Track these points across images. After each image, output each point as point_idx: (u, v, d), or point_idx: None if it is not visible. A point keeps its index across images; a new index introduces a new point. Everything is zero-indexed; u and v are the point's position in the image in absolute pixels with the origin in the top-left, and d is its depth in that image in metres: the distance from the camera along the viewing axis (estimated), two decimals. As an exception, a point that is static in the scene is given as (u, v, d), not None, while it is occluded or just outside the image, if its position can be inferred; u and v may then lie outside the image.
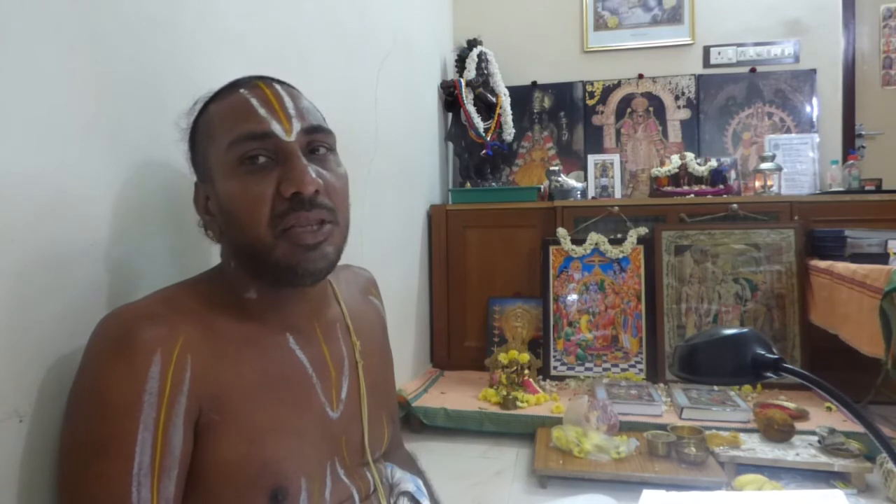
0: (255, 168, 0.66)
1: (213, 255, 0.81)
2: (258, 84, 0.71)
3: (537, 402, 2.09)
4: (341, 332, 0.79)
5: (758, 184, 2.57)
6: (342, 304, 0.81)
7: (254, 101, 0.68)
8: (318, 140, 0.70)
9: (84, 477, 0.59)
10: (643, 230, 2.41)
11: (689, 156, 2.65)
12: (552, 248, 2.48)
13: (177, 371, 0.61)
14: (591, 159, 2.89)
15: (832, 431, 1.66)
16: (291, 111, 0.69)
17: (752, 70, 2.85)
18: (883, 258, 1.91)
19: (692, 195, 2.54)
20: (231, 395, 0.64)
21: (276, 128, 0.67)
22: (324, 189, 0.67)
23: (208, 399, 0.63)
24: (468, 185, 2.80)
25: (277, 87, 0.71)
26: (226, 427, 0.63)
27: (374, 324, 0.89)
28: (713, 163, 2.60)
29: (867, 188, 2.55)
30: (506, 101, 2.85)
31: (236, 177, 0.66)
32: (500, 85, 2.86)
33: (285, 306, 0.72)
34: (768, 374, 0.65)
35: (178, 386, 0.61)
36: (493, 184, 2.84)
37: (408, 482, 0.85)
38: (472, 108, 2.73)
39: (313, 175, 0.66)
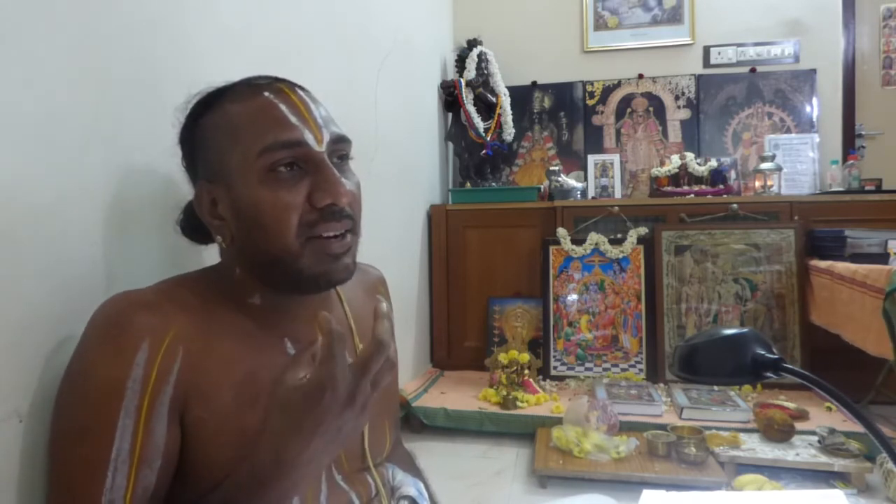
0: (284, 176, 0.65)
1: (211, 254, 0.81)
2: (283, 88, 0.69)
3: (537, 402, 2.09)
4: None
5: (758, 184, 2.57)
6: (346, 306, 0.80)
7: (283, 107, 0.67)
8: (341, 149, 0.70)
9: (64, 458, 0.59)
10: (643, 230, 2.41)
11: (689, 156, 2.65)
12: (552, 248, 2.48)
13: (165, 361, 0.61)
14: (591, 159, 2.89)
15: (832, 431, 1.66)
16: (320, 120, 0.68)
17: (752, 70, 2.85)
18: (883, 258, 1.91)
19: (692, 195, 2.54)
20: (221, 393, 0.64)
21: (308, 137, 0.66)
22: (350, 199, 0.68)
23: (196, 394, 0.62)
24: (468, 185, 2.80)
25: (301, 92, 0.70)
26: (214, 425, 0.63)
27: None
28: (713, 163, 2.61)
29: (867, 188, 2.55)
30: (506, 101, 2.85)
31: (265, 184, 0.64)
32: (500, 85, 2.86)
33: (287, 312, 0.71)
34: (768, 374, 0.65)
35: (165, 376, 0.61)
36: (493, 184, 2.84)
37: (409, 486, 0.85)
38: (472, 108, 2.73)
39: (347, 186, 0.67)
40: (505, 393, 2.09)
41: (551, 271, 2.47)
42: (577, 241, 2.45)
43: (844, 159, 2.74)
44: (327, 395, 0.53)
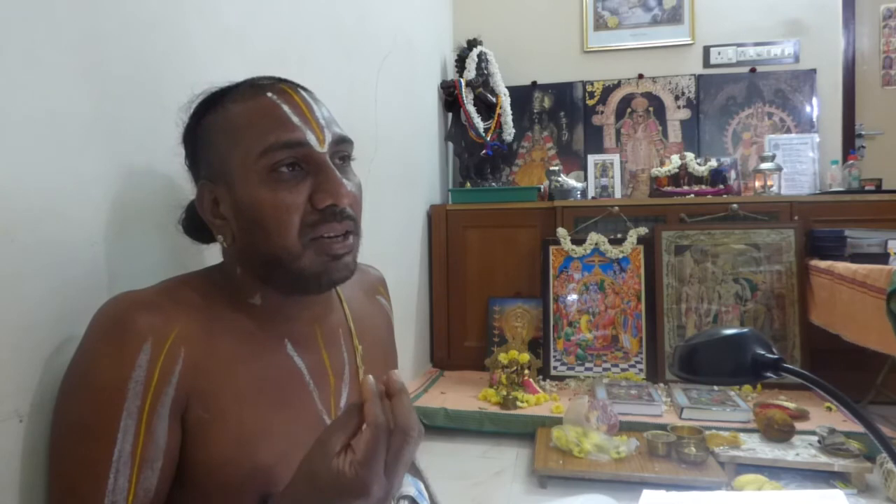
0: (286, 177, 0.65)
1: (212, 254, 0.81)
2: (285, 89, 0.69)
3: (537, 402, 2.09)
4: (343, 337, 0.78)
5: (758, 184, 2.57)
6: (346, 307, 0.80)
7: (285, 108, 0.67)
8: (343, 150, 0.70)
9: (66, 459, 0.60)
10: (643, 230, 2.41)
11: (689, 156, 2.65)
12: (552, 248, 2.48)
13: (167, 362, 0.61)
14: (591, 159, 2.89)
15: (832, 431, 1.66)
16: (322, 121, 0.68)
17: (752, 70, 2.85)
18: (883, 258, 1.91)
19: (692, 195, 2.55)
20: (222, 393, 0.64)
21: (311, 138, 0.66)
22: (351, 200, 0.68)
23: (198, 394, 0.62)
24: (468, 185, 2.80)
25: (303, 93, 0.70)
26: (215, 426, 0.63)
27: (379, 326, 0.87)
28: (713, 163, 2.61)
29: (867, 188, 2.55)
30: (506, 101, 2.85)
31: (266, 185, 0.65)
32: (500, 85, 2.86)
33: (287, 313, 0.72)
34: (768, 374, 0.65)
35: (167, 377, 0.61)
36: (493, 184, 2.85)
37: (409, 485, 0.85)
38: (472, 108, 2.73)
39: (348, 188, 0.67)
40: (505, 393, 2.09)
41: (551, 271, 2.47)
42: (577, 241, 2.45)
43: (844, 159, 2.74)
44: (360, 501, 0.52)
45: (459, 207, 2.67)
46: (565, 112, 3.00)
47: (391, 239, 2.19)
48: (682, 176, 2.65)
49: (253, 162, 0.65)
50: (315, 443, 0.55)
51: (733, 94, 2.85)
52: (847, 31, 2.94)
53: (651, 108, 2.93)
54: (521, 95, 3.01)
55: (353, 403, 0.55)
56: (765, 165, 2.56)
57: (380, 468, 0.53)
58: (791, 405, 1.92)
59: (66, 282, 0.71)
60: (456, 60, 2.87)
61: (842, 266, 1.89)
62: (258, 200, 0.65)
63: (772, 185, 2.53)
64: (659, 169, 2.68)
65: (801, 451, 1.64)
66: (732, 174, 2.65)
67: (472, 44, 2.82)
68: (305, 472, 0.55)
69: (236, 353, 0.67)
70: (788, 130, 2.79)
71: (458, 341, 2.64)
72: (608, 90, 2.98)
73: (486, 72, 2.83)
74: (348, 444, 0.54)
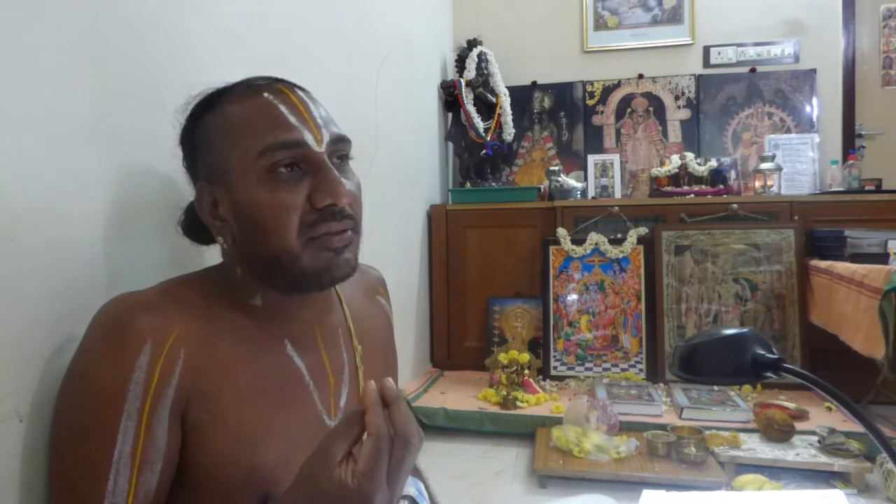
0: (284, 177, 0.65)
1: (212, 254, 0.81)
2: (282, 89, 0.69)
3: (537, 402, 2.09)
4: (343, 337, 0.78)
5: (758, 184, 2.57)
6: (345, 308, 0.80)
7: (282, 108, 0.67)
8: (341, 149, 0.70)
9: (66, 460, 0.60)
10: (643, 230, 2.41)
11: (689, 156, 2.65)
12: (552, 248, 2.48)
13: (166, 364, 0.61)
14: (591, 159, 2.89)
15: (832, 431, 1.66)
16: (319, 120, 0.68)
17: (752, 70, 2.85)
18: (883, 258, 1.91)
19: (692, 195, 2.55)
20: (222, 394, 0.64)
21: (308, 137, 0.66)
22: (351, 200, 0.68)
23: (198, 396, 0.62)
24: (468, 185, 2.80)
25: (300, 93, 0.70)
26: (215, 427, 0.63)
27: (378, 326, 0.87)
28: (713, 163, 2.61)
29: (867, 188, 2.55)
30: (506, 101, 2.85)
31: (265, 185, 0.65)
32: (500, 85, 2.86)
33: (288, 313, 0.71)
34: (768, 374, 0.65)
35: (167, 378, 0.61)
36: (493, 184, 2.85)
37: (409, 486, 0.84)
38: (472, 108, 2.73)
39: (347, 187, 0.67)
40: (505, 393, 2.09)
41: (551, 271, 2.47)
42: (577, 241, 2.45)
43: (844, 159, 2.74)
44: None
45: (459, 207, 2.67)
46: (565, 112, 3.00)
47: (391, 239, 2.19)
48: (682, 176, 2.64)
49: (251, 162, 0.65)
50: (316, 450, 0.54)
51: (733, 94, 2.85)
52: (847, 31, 2.93)
53: (651, 108, 2.93)
54: (521, 95, 3.01)
55: (355, 411, 0.55)
56: (765, 165, 2.56)
57: (382, 478, 0.52)
58: (791, 405, 1.92)
59: (66, 282, 0.71)
60: (456, 60, 2.87)
61: (842, 266, 1.89)
62: (257, 201, 0.65)
63: (772, 185, 2.53)
64: (659, 169, 2.68)
65: (801, 451, 1.64)
66: (732, 174, 2.65)
67: (472, 44, 2.82)
68: (306, 478, 0.54)
69: (236, 353, 0.67)
70: (788, 130, 2.79)
71: (458, 341, 2.63)
72: (608, 90, 2.98)
73: (486, 72, 2.83)
74: (350, 453, 0.53)
